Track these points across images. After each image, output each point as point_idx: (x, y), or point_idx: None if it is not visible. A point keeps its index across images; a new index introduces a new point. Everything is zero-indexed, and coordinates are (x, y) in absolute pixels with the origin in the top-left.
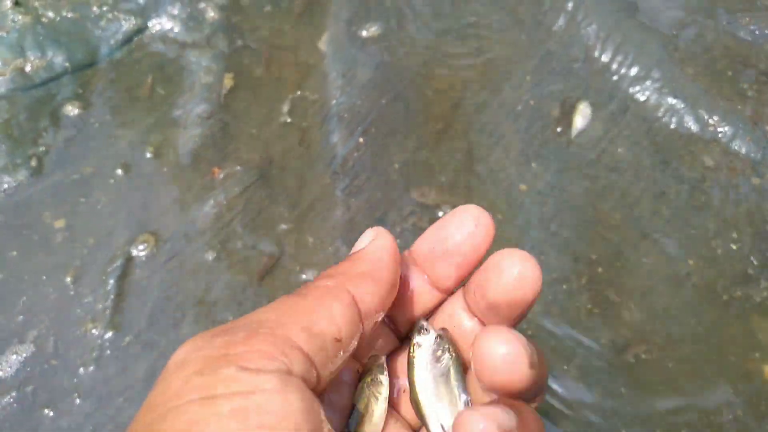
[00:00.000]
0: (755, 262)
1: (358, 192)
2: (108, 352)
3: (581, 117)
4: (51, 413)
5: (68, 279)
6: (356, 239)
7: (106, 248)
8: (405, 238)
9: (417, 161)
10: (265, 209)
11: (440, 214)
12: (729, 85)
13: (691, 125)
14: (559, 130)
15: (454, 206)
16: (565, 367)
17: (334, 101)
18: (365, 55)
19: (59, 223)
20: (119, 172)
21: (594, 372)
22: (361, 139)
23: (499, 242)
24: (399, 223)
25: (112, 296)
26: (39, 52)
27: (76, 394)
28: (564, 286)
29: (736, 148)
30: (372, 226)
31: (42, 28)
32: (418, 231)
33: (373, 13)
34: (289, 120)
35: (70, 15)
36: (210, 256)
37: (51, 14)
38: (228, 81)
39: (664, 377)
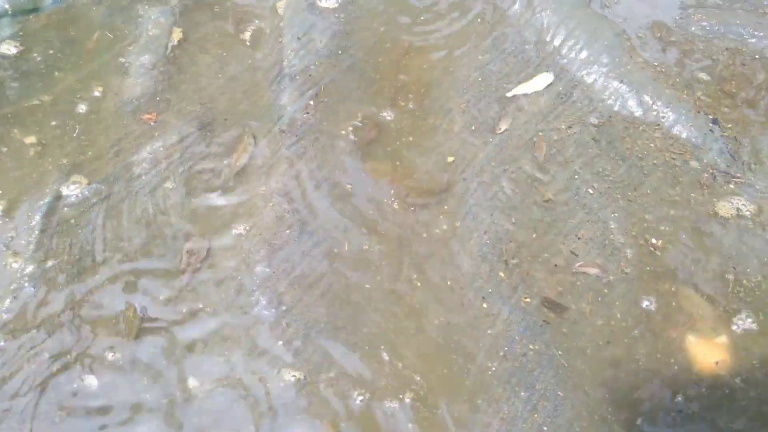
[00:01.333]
0: (689, 241)
1: (304, 152)
2: (26, 285)
3: (539, 81)
4: None
5: None
6: (298, 196)
7: (36, 186)
8: (345, 198)
9: (364, 131)
10: (202, 159)
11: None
12: (676, 75)
13: (635, 109)
14: (502, 108)
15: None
16: (490, 331)
17: (286, 62)
18: (323, 23)
19: None
20: (55, 112)
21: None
22: (311, 102)
23: (440, 212)
24: (342, 184)
25: (36, 232)
26: None
27: None
28: (498, 256)
29: (676, 132)
30: (316, 184)
31: None
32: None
33: None
34: (237, 76)
35: None
36: (141, 201)
37: None
38: (176, 35)
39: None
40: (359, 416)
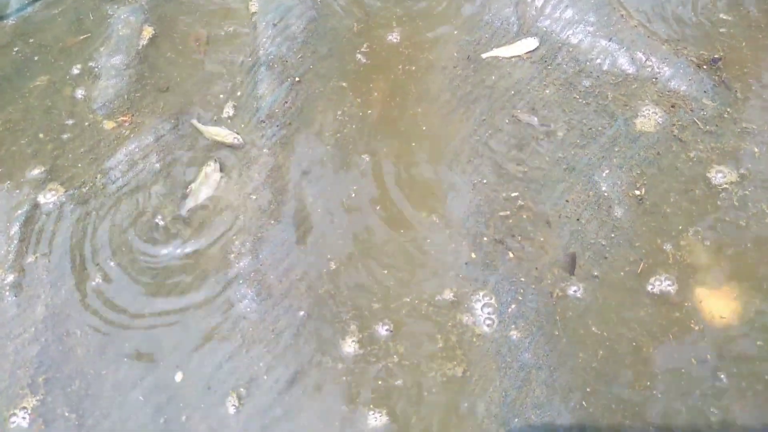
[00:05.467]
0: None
1: (286, 142)
2: (7, 293)
3: (521, 45)
4: None
5: None
6: (282, 187)
7: (11, 196)
8: (323, 184)
9: (346, 117)
10: (180, 157)
11: (365, 162)
12: (673, 31)
13: (626, 66)
14: (484, 77)
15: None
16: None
17: (262, 50)
18: (299, 7)
19: None
20: (26, 122)
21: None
22: (291, 91)
23: (431, 179)
24: (327, 170)
25: (15, 241)
26: None
27: None
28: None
29: (674, 86)
30: (299, 175)
31: None
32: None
33: None
34: (211, 70)
35: None
36: (120, 206)
37: None
38: (147, 33)
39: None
40: None
